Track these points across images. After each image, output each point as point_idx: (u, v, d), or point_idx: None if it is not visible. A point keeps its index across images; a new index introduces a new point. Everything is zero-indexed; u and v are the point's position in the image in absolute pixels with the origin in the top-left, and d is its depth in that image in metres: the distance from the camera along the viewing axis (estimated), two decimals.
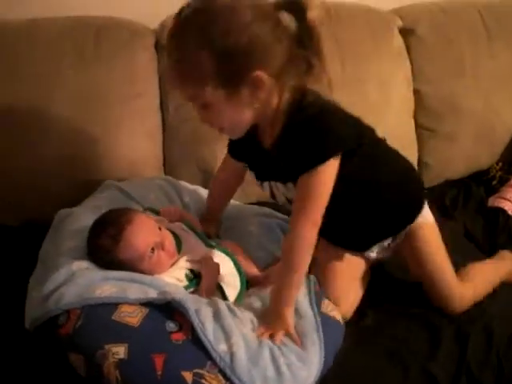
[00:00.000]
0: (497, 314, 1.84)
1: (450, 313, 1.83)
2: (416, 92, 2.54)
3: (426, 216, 1.85)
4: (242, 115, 1.57)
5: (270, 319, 1.60)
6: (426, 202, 1.87)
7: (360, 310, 1.84)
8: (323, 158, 1.54)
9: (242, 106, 1.53)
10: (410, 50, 2.55)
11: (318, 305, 1.67)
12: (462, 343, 1.75)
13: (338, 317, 1.70)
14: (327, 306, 1.69)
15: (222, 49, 1.43)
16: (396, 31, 2.54)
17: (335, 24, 2.42)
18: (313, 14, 1.47)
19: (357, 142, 1.62)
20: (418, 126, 2.55)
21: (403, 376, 1.66)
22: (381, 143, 1.81)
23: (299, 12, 1.47)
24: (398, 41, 2.54)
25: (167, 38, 1.53)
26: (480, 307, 1.85)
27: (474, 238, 2.24)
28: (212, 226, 2.06)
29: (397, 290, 1.93)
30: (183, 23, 1.47)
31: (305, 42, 1.48)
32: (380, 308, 1.86)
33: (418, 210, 1.84)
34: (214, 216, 2.09)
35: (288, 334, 1.57)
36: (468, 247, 2.19)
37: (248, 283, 1.84)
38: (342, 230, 1.85)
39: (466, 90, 2.55)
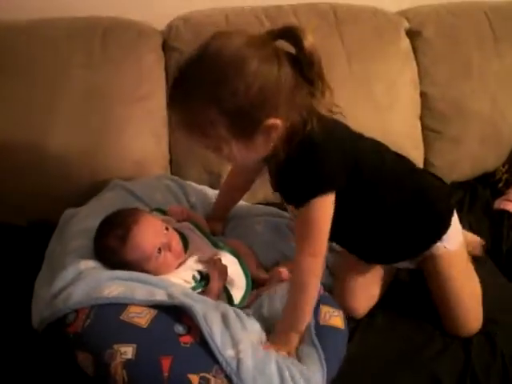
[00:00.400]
0: (500, 316, 1.86)
1: (462, 335, 1.81)
2: (422, 94, 2.53)
3: (451, 240, 1.82)
4: (256, 155, 1.57)
5: (275, 339, 1.62)
6: (452, 224, 1.82)
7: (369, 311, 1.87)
8: (314, 194, 1.55)
9: (256, 148, 1.52)
10: (416, 52, 2.54)
11: (317, 319, 1.66)
12: (466, 346, 1.76)
13: (339, 322, 1.68)
14: (325, 315, 1.67)
15: (233, 108, 1.41)
16: (403, 33, 2.54)
17: (342, 26, 2.43)
18: (309, 40, 1.44)
19: (350, 178, 1.62)
20: (424, 127, 2.54)
21: (409, 379, 1.68)
22: (387, 164, 1.77)
23: (295, 39, 1.44)
24: (405, 42, 2.53)
25: (171, 89, 1.51)
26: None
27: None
28: (218, 225, 2.07)
29: (405, 291, 1.95)
30: (189, 79, 1.45)
31: (306, 69, 1.45)
32: (389, 309, 1.88)
33: (435, 234, 1.81)
34: (220, 215, 2.09)
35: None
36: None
37: (253, 283, 1.85)
38: (357, 245, 1.86)
39: (472, 91, 2.54)
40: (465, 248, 1.90)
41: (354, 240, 1.83)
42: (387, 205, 1.74)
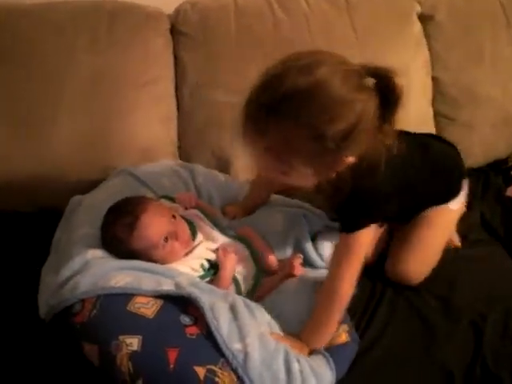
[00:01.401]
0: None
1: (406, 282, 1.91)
2: (434, 79, 2.50)
3: (455, 200, 1.97)
4: (316, 181, 1.54)
5: (292, 339, 1.62)
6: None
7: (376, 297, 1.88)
8: (364, 226, 1.61)
9: (320, 176, 1.51)
10: (428, 37, 2.51)
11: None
12: (478, 334, 1.76)
13: (343, 337, 1.67)
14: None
15: (330, 145, 1.39)
16: (415, 17, 2.50)
17: (353, 10, 2.40)
18: (400, 86, 1.43)
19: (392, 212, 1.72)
20: (436, 113, 2.51)
21: (419, 371, 1.68)
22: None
23: (388, 83, 1.42)
24: (417, 27, 2.49)
25: (270, 108, 1.39)
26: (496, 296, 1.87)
27: (492, 227, 2.21)
28: (241, 213, 2.05)
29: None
30: (296, 109, 1.37)
31: (390, 112, 1.45)
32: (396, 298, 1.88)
33: (448, 197, 1.96)
34: (247, 205, 2.07)
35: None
36: (484, 237, 2.17)
37: (264, 272, 1.84)
38: None
39: (485, 77, 2.50)
40: (461, 207, 2.03)
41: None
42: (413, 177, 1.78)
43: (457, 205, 1.98)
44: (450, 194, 1.96)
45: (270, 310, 1.66)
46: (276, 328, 1.61)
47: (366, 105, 1.39)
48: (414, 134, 1.89)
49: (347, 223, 1.64)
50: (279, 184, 2.00)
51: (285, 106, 1.37)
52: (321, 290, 1.67)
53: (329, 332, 1.65)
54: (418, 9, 2.52)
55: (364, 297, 1.87)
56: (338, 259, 1.64)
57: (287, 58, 1.43)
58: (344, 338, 1.67)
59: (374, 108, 1.41)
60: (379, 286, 1.92)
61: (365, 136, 1.42)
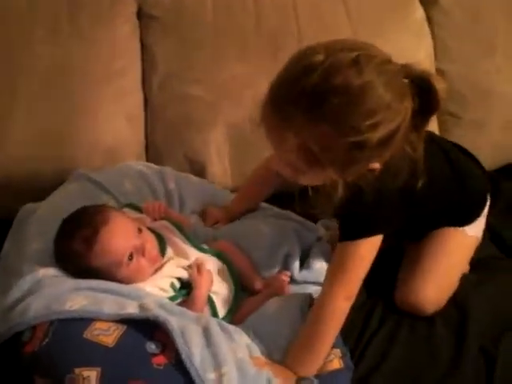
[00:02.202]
0: None
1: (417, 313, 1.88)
2: (439, 72, 2.48)
3: (472, 226, 1.98)
4: (327, 181, 1.54)
5: (275, 365, 1.59)
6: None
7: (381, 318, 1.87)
8: (367, 235, 1.62)
9: (337, 178, 1.51)
10: (432, 24, 2.52)
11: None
12: (489, 362, 1.75)
13: (336, 364, 1.65)
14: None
15: (360, 144, 1.39)
16: (416, 1, 2.51)
17: None
18: (441, 90, 1.47)
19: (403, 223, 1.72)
20: (440, 111, 2.51)
21: None
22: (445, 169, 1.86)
23: (430, 91, 1.46)
24: (419, 12, 2.50)
25: (305, 94, 1.39)
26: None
27: (503, 241, 2.20)
28: (225, 218, 2.05)
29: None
30: (336, 106, 1.37)
31: (424, 121, 1.52)
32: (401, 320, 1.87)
33: (466, 220, 1.97)
34: (234, 210, 2.08)
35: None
36: (494, 253, 2.17)
37: (244, 291, 1.84)
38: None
39: (496, 70, 2.51)
40: (479, 236, 2.03)
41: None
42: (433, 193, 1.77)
43: (474, 231, 1.98)
44: (467, 217, 1.96)
45: (250, 333, 1.65)
46: (256, 351, 1.59)
47: (407, 113, 1.43)
48: (439, 140, 1.92)
49: (349, 229, 1.64)
50: (280, 182, 1.97)
51: (329, 102, 1.36)
52: (312, 308, 1.67)
53: (319, 357, 1.62)
54: None
55: (360, 317, 1.85)
56: (333, 272, 1.64)
57: (331, 44, 1.43)
58: (337, 364, 1.65)
59: (411, 116, 1.46)
60: (379, 306, 1.91)
61: (397, 143, 1.46)
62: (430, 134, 1.82)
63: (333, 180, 1.51)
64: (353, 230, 1.63)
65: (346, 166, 1.45)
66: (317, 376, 1.61)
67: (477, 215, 1.98)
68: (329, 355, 1.64)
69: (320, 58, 1.38)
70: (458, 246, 1.95)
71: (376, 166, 1.49)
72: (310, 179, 1.56)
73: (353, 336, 1.79)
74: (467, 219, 1.96)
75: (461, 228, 1.95)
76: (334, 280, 1.63)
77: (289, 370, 1.59)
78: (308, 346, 1.62)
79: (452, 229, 1.94)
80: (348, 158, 1.42)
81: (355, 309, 1.71)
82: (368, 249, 1.62)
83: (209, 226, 2.03)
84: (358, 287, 1.63)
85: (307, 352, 1.61)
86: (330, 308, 1.61)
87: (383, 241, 1.67)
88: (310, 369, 1.61)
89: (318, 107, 1.37)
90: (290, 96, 1.40)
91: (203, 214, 2.06)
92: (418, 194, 1.65)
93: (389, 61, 1.45)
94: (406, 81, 1.44)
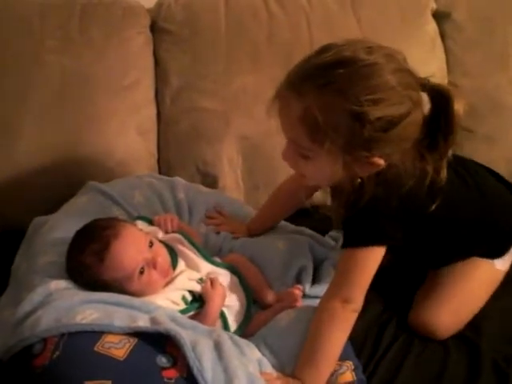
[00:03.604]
0: None
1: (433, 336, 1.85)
2: (451, 85, 2.46)
3: (501, 260, 1.93)
4: (334, 177, 1.59)
5: (286, 379, 1.57)
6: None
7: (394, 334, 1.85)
8: (365, 244, 1.61)
9: (341, 171, 1.54)
10: (444, 37, 2.52)
11: None
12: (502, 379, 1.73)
13: (348, 376, 1.63)
14: (331, 377, 1.62)
15: (367, 130, 1.44)
16: (429, 15, 2.51)
17: (359, 6, 2.41)
18: (460, 108, 1.53)
19: (411, 234, 1.67)
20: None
21: None
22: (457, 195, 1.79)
23: (445, 103, 1.53)
24: (432, 26, 2.50)
25: (320, 70, 1.48)
26: None
27: None
28: (244, 231, 2.06)
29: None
30: (346, 82, 1.45)
31: (440, 134, 1.55)
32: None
33: (495, 253, 1.91)
34: (252, 228, 2.07)
35: None
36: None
37: (255, 303, 1.83)
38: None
39: (509, 83, 2.50)
40: (507, 268, 1.96)
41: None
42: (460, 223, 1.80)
43: (503, 265, 1.94)
44: (496, 249, 1.91)
45: (262, 346, 1.64)
46: (268, 367, 1.58)
47: (415, 109, 1.48)
48: (470, 162, 1.91)
49: (352, 235, 1.64)
50: (299, 203, 2.00)
51: (336, 72, 1.44)
52: (315, 313, 1.66)
53: (326, 364, 1.60)
54: (433, 5, 2.53)
55: (373, 332, 1.85)
56: (334, 277, 1.67)
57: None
58: (349, 376, 1.62)
59: (420, 121, 1.51)
60: (393, 322, 1.89)
61: (402, 143, 1.51)
62: (459, 158, 1.83)
63: (337, 173, 1.54)
64: (354, 237, 1.63)
65: (347, 151, 1.48)
66: None
67: (506, 249, 1.92)
68: (341, 367, 1.62)
69: (338, 42, 1.52)
70: (483, 278, 1.91)
71: (380, 162, 1.51)
72: (317, 170, 1.57)
73: (366, 351, 1.78)
74: (496, 252, 1.91)
75: (489, 260, 1.90)
76: (332, 283, 1.65)
77: (299, 383, 1.57)
78: (310, 356, 1.60)
79: (479, 259, 1.89)
80: (348, 136, 1.46)
81: (368, 322, 1.74)
82: (368, 258, 1.62)
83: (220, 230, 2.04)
84: (359, 292, 1.61)
85: (310, 363, 1.60)
86: (325, 311, 1.61)
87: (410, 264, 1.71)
88: (319, 379, 1.59)
89: (325, 75, 1.45)
90: (303, 70, 1.51)
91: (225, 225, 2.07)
92: (434, 215, 1.65)
93: (404, 59, 1.53)
94: (422, 93, 1.51)
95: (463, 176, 1.80)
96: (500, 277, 1.94)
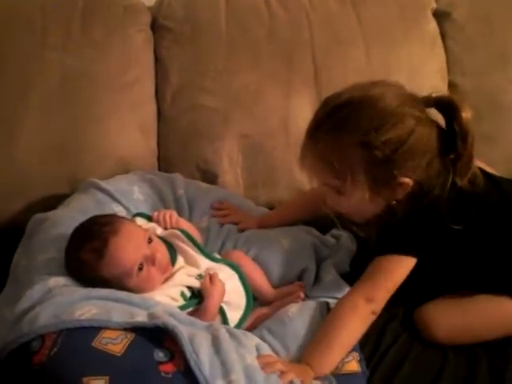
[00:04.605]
0: None
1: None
2: (451, 85, 2.49)
3: None
4: (373, 208, 1.72)
5: (289, 363, 1.57)
6: None
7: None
8: (395, 251, 1.67)
9: (377, 201, 1.68)
10: (444, 37, 2.52)
11: None
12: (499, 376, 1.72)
13: (354, 366, 1.63)
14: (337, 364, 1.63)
15: (378, 157, 1.58)
16: (429, 14, 2.51)
17: (360, 5, 2.41)
18: (467, 115, 1.61)
19: (442, 247, 1.72)
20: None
21: None
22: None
23: (452, 112, 1.62)
24: (432, 25, 2.50)
25: (322, 118, 1.67)
26: None
27: None
28: (252, 222, 2.07)
29: None
30: (347, 117, 1.62)
31: (458, 142, 1.62)
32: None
33: None
34: (266, 221, 2.09)
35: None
36: None
37: (255, 300, 1.83)
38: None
39: (509, 83, 2.49)
40: None
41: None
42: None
43: None
44: None
45: (265, 334, 1.65)
46: (266, 349, 1.58)
47: (419, 124, 1.60)
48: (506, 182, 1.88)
49: (386, 245, 1.69)
50: (319, 212, 1.98)
51: (336, 115, 1.63)
52: (336, 303, 1.70)
53: (338, 351, 1.61)
54: (434, 5, 2.53)
55: (378, 326, 1.81)
56: (360, 279, 1.68)
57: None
58: (355, 366, 1.63)
59: (433, 136, 1.62)
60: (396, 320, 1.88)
61: (419, 158, 1.61)
62: (500, 179, 1.86)
63: (372, 202, 1.67)
64: (388, 247, 1.68)
65: (371, 178, 1.62)
66: (334, 375, 1.58)
67: None
68: (347, 356, 1.63)
69: (337, 92, 1.69)
70: (504, 317, 1.82)
71: (406, 180, 1.61)
72: (351, 202, 1.69)
73: (368, 346, 1.76)
74: None
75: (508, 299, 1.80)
76: (358, 282, 1.68)
77: (304, 367, 1.57)
78: (324, 341, 1.61)
79: (496, 298, 1.81)
80: (365, 164, 1.60)
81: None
82: (399, 265, 1.67)
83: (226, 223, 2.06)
84: (382, 296, 1.65)
85: (323, 347, 1.60)
86: (348, 304, 1.64)
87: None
88: (328, 365, 1.59)
89: (330, 121, 1.64)
90: (314, 122, 1.69)
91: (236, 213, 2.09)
92: (466, 231, 1.65)
93: (401, 87, 1.68)
94: (429, 109, 1.65)
95: (500, 190, 1.80)
96: None
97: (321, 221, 2.05)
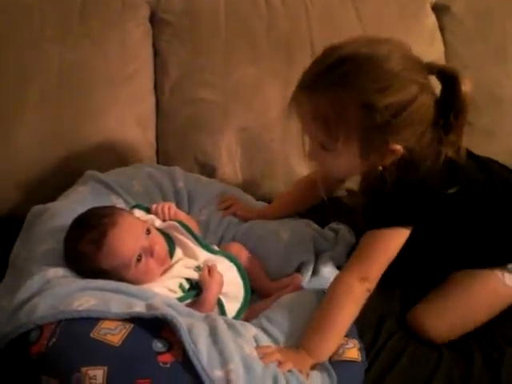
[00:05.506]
0: None
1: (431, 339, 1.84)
2: None
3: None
4: (356, 170, 1.70)
5: (287, 351, 1.57)
6: None
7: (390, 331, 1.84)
8: (388, 224, 1.64)
9: (361, 162, 1.62)
10: (443, 30, 2.52)
11: None
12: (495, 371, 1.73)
13: (354, 354, 1.63)
14: (338, 349, 1.62)
15: (377, 119, 1.51)
16: (428, 8, 2.52)
17: (359, 1, 2.41)
18: (467, 88, 1.59)
19: (432, 215, 1.70)
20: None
21: None
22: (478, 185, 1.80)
23: (453, 84, 1.59)
24: (431, 19, 2.50)
25: (323, 70, 1.56)
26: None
27: None
28: (254, 213, 2.07)
29: None
30: (352, 74, 1.53)
31: (452, 115, 1.60)
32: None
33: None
34: (270, 210, 2.10)
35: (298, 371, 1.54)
36: None
37: (253, 292, 1.83)
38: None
39: (508, 77, 2.50)
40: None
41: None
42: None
43: None
44: (502, 256, 1.85)
45: (264, 322, 1.65)
46: (265, 341, 1.58)
47: (423, 91, 1.55)
48: (495, 162, 1.92)
49: (376, 218, 1.66)
50: (315, 197, 2.01)
51: (340, 69, 1.53)
52: (330, 284, 1.68)
53: (336, 335, 1.60)
54: None
55: (375, 319, 1.86)
56: (353, 255, 1.67)
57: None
58: (355, 354, 1.63)
59: (432, 105, 1.58)
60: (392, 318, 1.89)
61: (416, 126, 1.57)
62: (487, 158, 1.89)
63: (358, 164, 1.62)
64: (377, 220, 1.65)
65: (363, 140, 1.56)
66: (334, 361, 1.59)
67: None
68: (347, 343, 1.63)
69: (340, 43, 1.59)
70: (491, 295, 1.86)
71: (397, 147, 1.56)
72: (338, 161, 1.64)
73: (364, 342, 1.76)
74: (502, 258, 1.85)
75: (500, 274, 1.83)
76: (351, 260, 1.67)
77: (302, 354, 1.57)
78: (320, 325, 1.60)
79: (490, 273, 1.84)
80: (361, 126, 1.53)
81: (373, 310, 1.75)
82: (391, 238, 1.64)
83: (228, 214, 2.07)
84: (377, 273, 1.63)
85: (319, 332, 1.60)
86: (342, 285, 1.63)
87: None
88: (326, 350, 1.59)
89: (331, 74, 1.54)
90: (312, 73, 1.59)
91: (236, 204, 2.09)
92: (455, 199, 1.66)
93: (409, 49, 1.61)
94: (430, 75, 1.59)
95: (486, 170, 1.82)
96: (509, 294, 1.87)
97: (320, 214, 2.07)
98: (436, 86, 1.63)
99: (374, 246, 1.64)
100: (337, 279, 1.66)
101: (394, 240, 1.64)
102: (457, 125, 1.61)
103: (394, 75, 1.51)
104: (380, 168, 1.62)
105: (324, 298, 1.65)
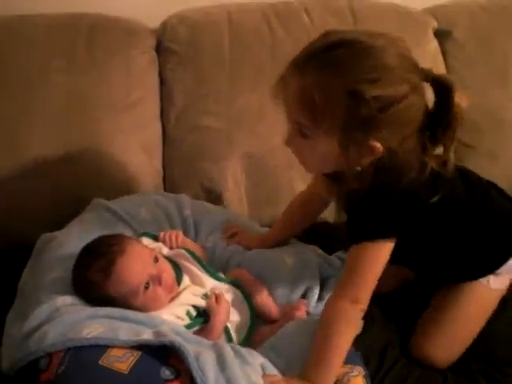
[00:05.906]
0: None
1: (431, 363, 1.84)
2: None
3: (498, 278, 1.87)
4: (332, 164, 1.61)
5: (291, 381, 1.55)
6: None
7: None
8: (371, 237, 1.59)
9: (338, 155, 1.54)
10: (446, 55, 2.53)
11: None
12: None
13: (360, 382, 1.60)
14: (343, 378, 1.59)
15: (362, 110, 1.45)
16: (430, 33, 2.52)
17: (360, 25, 2.40)
18: (462, 103, 1.52)
19: (415, 225, 1.66)
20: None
21: None
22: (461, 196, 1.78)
23: (446, 95, 1.52)
24: (433, 44, 2.52)
25: (321, 49, 1.51)
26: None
27: None
28: (257, 242, 2.05)
29: None
30: (346, 60, 1.48)
31: (440, 128, 1.53)
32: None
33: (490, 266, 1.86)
34: (270, 237, 2.07)
35: None
36: None
37: (259, 318, 1.83)
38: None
39: (509, 100, 2.51)
40: (505, 287, 1.91)
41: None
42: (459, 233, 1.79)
43: (499, 284, 1.88)
44: (494, 260, 1.85)
45: (268, 351, 1.64)
46: (272, 370, 1.57)
47: (413, 92, 1.48)
48: (473, 174, 1.90)
49: (358, 229, 1.62)
50: (316, 205, 2.00)
51: (335, 52, 1.47)
52: (323, 312, 1.65)
53: (337, 362, 1.58)
54: (435, 24, 2.54)
55: (376, 355, 1.84)
56: (344, 278, 1.63)
57: None
58: (361, 382, 1.61)
59: (422, 109, 1.51)
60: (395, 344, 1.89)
61: (401, 127, 1.50)
62: (466, 169, 1.86)
63: (335, 156, 1.55)
64: (357, 232, 1.60)
65: (344, 132, 1.49)
66: None
67: (498, 263, 1.85)
68: (353, 370, 1.61)
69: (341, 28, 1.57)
70: (479, 303, 1.88)
71: (377, 145, 1.49)
72: (314, 149, 1.57)
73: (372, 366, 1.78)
74: (495, 263, 1.85)
75: (484, 281, 1.85)
76: (339, 284, 1.63)
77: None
78: (318, 352, 1.58)
79: (473, 284, 1.85)
80: (344, 115, 1.46)
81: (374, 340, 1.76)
82: (376, 254, 1.60)
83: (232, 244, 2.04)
84: (367, 293, 1.59)
85: (322, 361, 1.57)
86: (336, 311, 1.59)
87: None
88: (327, 379, 1.56)
89: (325, 56, 1.48)
90: (306, 52, 1.53)
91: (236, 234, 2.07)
92: (437, 210, 1.65)
93: (407, 49, 1.53)
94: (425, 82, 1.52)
95: (468, 181, 1.81)
96: (497, 297, 1.90)
97: (327, 241, 2.07)
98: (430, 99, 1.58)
99: (359, 265, 1.59)
100: (329, 306, 1.63)
101: (379, 256, 1.60)
102: (444, 138, 1.54)
103: (388, 69, 1.46)
104: (358, 168, 1.56)
105: (319, 326, 1.62)
